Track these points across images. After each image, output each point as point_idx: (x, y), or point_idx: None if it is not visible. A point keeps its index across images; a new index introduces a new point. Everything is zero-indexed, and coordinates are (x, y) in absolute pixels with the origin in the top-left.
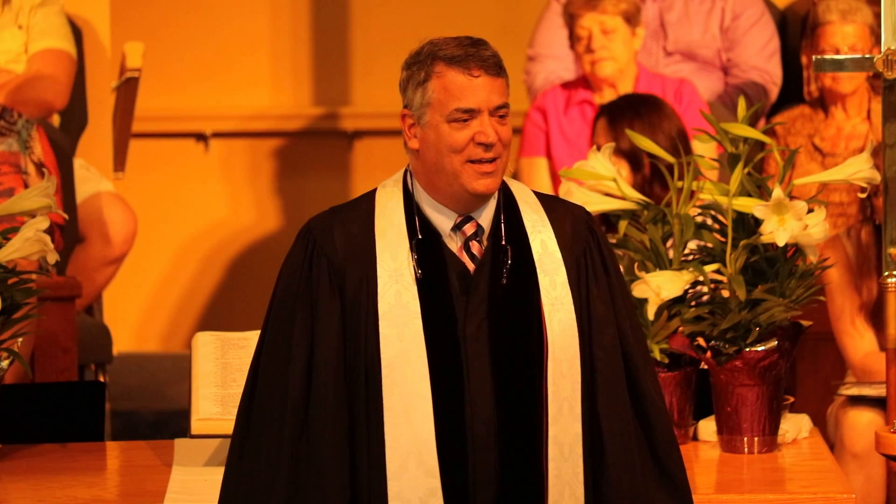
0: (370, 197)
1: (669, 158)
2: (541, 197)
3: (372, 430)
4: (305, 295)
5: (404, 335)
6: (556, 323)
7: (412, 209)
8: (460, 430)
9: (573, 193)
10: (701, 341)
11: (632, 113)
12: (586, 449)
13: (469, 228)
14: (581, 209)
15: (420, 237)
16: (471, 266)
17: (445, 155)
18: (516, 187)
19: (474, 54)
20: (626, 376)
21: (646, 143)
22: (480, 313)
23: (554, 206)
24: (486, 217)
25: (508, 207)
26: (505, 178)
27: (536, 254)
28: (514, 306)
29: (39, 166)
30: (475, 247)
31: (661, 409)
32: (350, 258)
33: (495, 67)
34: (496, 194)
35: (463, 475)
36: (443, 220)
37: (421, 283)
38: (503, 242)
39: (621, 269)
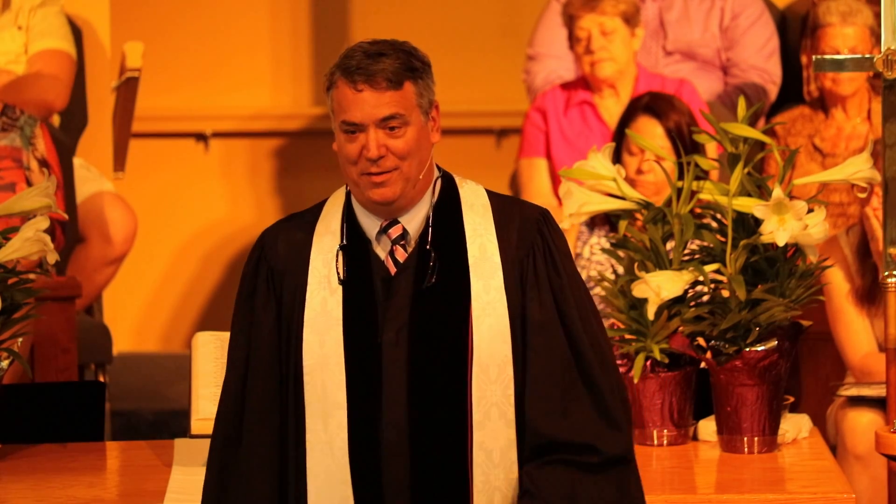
0: (323, 202)
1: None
2: (496, 199)
3: (300, 436)
4: (249, 301)
5: (325, 342)
6: (486, 328)
7: (348, 215)
8: (373, 437)
9: (573, 193)
10: (701, 341)
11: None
12: (522, 454)
13: (394, 232)
14: (536, 211)
15: (345, 243)
16: (393, 271)
17: (345, 165)
18: (469, 189)
19: (365, 68)
20: (580, 377)
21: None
22: (401, 319)
23: (505, 209)
24: (414, 221)
25: (447, 211)
26: (458, 180)
27: (472, 258)
28: (437, 311)
29: (43, 163)
30: (399, 252)
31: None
32: (289, 265)
33: (385, 81)
34: (430, 197)
35: (376, 482)
36: (371, 225)
37: (345, 289)
38: (427, 247)
39: (620, 269)
